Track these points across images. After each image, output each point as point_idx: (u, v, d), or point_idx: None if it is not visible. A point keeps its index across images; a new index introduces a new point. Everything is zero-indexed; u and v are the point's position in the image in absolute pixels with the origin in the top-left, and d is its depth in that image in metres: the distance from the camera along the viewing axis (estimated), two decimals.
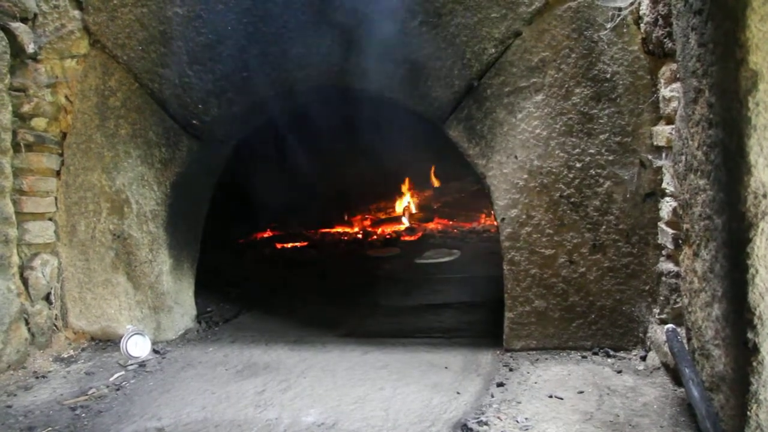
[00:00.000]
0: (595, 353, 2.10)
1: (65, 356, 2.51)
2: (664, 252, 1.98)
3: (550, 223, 2.13)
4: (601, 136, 2.06)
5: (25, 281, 2.47)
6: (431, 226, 5.16)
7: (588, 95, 2.06)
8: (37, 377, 2.28)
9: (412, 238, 4.79)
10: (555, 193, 2.12)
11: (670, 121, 1.84)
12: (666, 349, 1.76)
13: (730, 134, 1.19)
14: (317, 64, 2.35)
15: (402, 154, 4.97)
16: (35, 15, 2.52)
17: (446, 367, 2.12)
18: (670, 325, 1.77)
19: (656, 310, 2.00)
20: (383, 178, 5.39)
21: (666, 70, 1.87)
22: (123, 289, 2.64)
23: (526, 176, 2.15)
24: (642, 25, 1.96)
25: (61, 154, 2.63)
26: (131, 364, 2.35)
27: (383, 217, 5.54)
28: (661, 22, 1.81)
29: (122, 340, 2.42)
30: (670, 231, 1.86)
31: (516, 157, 2.16)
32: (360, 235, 5.01)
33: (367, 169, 5.06)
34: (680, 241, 1.68)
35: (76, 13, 2.54)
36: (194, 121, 2.53)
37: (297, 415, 1.78)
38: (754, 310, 1.14)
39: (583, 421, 1.59)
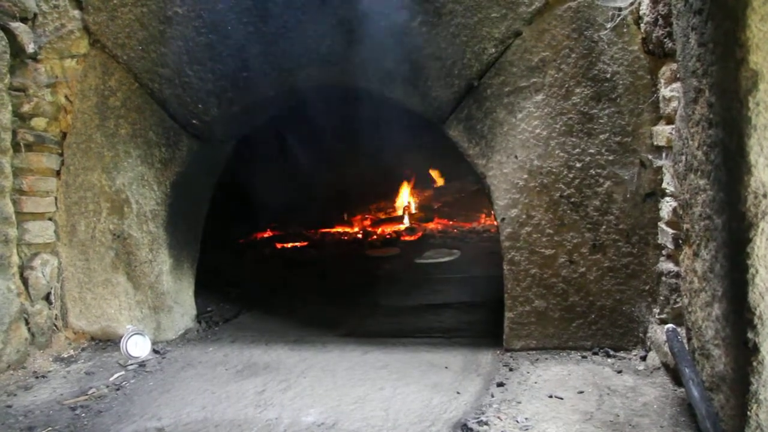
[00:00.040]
0: (595, 353, 2.09)
1: (65, 356, 2.51)
2: (664, 252, 1.98)
3: (550, 223, 2.13)
4: (601, 136, 2.06)
5: (25, 281, 2.47)
6: (431, 226, 5.16)
7: (588, 95, 2.06)
8: (37, 377, 2.28)
9: (412, 238, 4.79)
10: (555, 192, 2.12)
11: (670, 120, 1.84)
12: (666, 349, 1.76)
13: (731, 134, 1.19)
14: (317, 63, 2.35)
15: (402, 153, 4.97)
16: (35, 15, 2.52)
17: (446, 367, 2.12)
18: (670, 325, 1.77)
19: (656, 310, 2.00)
20: (383, 178, 5.39)
21: (666, 70, 1.87)
22: (123, 289, 2.64)
23: (526, 176, 2.15)
24: (642, 24, 1.96)
25: (61, 154, 2.63)
26: (131, 364, 2.35)
27: (383, 217, 5.55)
28: (661, 21, 1.81)
29: (122, 340, 2.42)
30: (670, 231, 1.86)
31: (516, 156, 2.16)
32: (360, 235, 5.01)
33: (367, 169, 5.06)
34: (680, 241, 1.68)
35: (76, 12, 2.54)
36: (194, 121, 2.53)
37: (297, 415, 1.78)
38: (754, 309, 1.14)
39: (583, 421, 1.59)
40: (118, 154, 2.59)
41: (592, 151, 2.07)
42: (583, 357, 2.08)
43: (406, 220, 5.30)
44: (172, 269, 2.69)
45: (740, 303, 1.18)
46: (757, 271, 1.14)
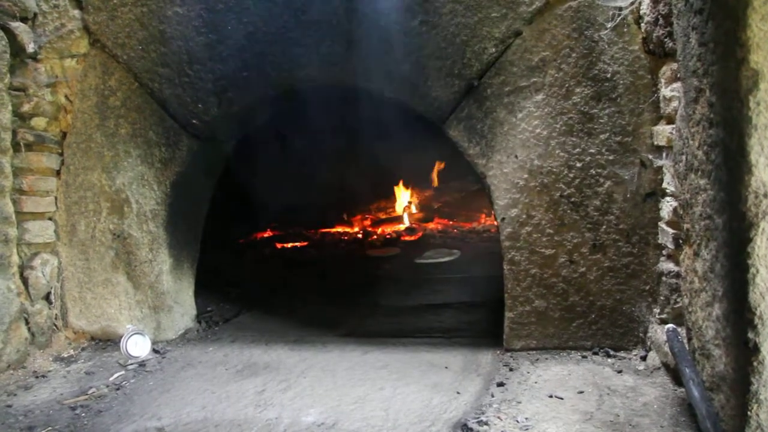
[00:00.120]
0: (596, 353, 2.09)
1: (65, 356, 2.51)
2: (664, 252, 1.98)
3: (551, 222, 2.13)
4: (602, 136, 2.06)
5: (25, 281, 2.47)
6: (431, 226, 5.16)
7: (588, 95, 2.06)
8: (37, 377, 2.28)
9: (412, 238, 4.79)
10: (555, 192, 2.12)
11: (670, 120, 1.83)
12: (666, 349, 1.76)
13: (731, 134, 1.19)
14: (317, 63, 2.34)
15: (402, 153, 4.97)
16: (35, 14, 2.52)
17: (446, 367, 2.12)
18: (670, 325, 1.77)
19: (656, 310, 2.00)
20: (383, 178, 5.39)
21: (666, 70, 1.87)
22: (123, 288, 2.64)
23: (526, 176, 2.15)
24: (642, 24, 1.96)
25: (61, 154, 2.63)
26: (131, 364, 2.35)
27: (383, 217, 5.54)
28: (661, 21, 1.81)
29: (122, 340, 2.42)
30: (671, 231, 1.86)
31: (516, 156, 2.16)
32: (360, 235, 5.01)
33: (367, 169, 5.06)
34: (681, 241, 1.68)
35: (76, 12, 2.54)
36: (194, 121, 2.53)
37: (297, 415, 1.78)
38: (755, 309, 1.14)
39: (583, 420, 1.59)
40: (118, 154, 2.59)
41: (592, 150, 2.07)
42: (584, 357, 2.08)
43: (406, 220, 5.30)
44: (172, 269, 2.69)
45: (741, 303, 1.17)
46: (757, 271, 1.14)
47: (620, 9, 1.97)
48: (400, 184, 5.59)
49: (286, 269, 4.13)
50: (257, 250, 4.79)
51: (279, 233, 5.18)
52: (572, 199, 2.11)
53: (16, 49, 2.44)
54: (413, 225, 5.18)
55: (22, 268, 2.48)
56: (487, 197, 2.27)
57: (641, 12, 1.96)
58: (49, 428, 1.80)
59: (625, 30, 1.99)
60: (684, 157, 1.51)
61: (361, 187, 5.29)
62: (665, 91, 1.88)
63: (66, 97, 2.60)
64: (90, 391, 2.09)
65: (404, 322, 2.83)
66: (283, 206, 4.95)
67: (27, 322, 2.45)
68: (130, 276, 2.64)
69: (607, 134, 2.05)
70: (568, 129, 2.09)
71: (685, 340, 1.64)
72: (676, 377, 1.72)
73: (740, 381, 1.20)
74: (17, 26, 2.43)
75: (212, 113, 2.50)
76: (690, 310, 1.53)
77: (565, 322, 2.14)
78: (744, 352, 1.17)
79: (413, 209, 5.51)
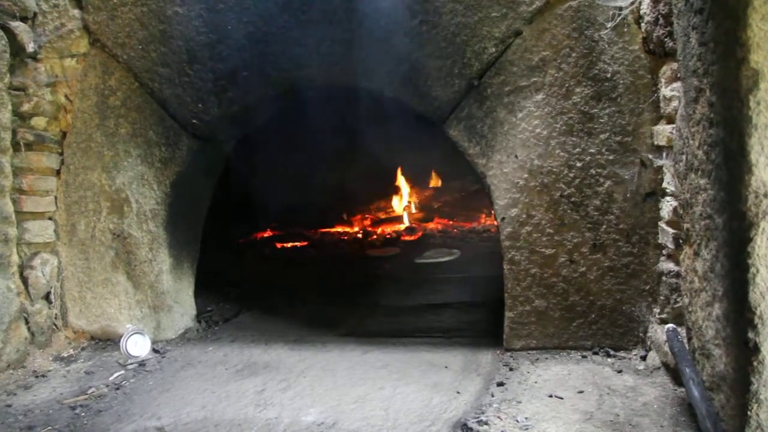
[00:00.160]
0: (596, 353, 2.09)
1: (65, 355, 2.51)
2: (664, 251, 1.98)
3: (551, 222, 2.13)
4: (602, 136, 2.06)
5: (24, 280, 2.47)
6: (431, 225, 5.15)
7: (588, 94, 2.06)
8: (36, 376, 2.28)
9: (412, 238, 4.78)
10: (555, 192, 2.12)
11: (670, 120, 1.83)
12: (666, 348, 1.76)
13: (731, 133, 1.19)
14: (317, 63, 2.34)
15: (402, 153, 4.97)
16: (35, 14, 2.52)
17: (446, 367, 2.12)
18: (670, 325, 1.77)
19: (656, 310, 2.00)
20: (383, 177, 5.39)
21: (667, 70, 1.87)
22: (123, 288, 2.64)
23: (526, 175, 2.15)
24: (643, 24, 1.96)
25: (61, 153, 2.63)
26: (131, 364, 2.35)
27: (383, 216, 5.54)
28: (661, 21, 1.81)
29: (122, 340, 2.42)
30: (671, 230, 1.86)
31: (516, 156, 2.16)
32: (360, 235, 5.01)
33: (367, 169, 5.05)
34: (681, 241, 1.68)
35: (76, 12, 2.54)
36: (194, 121, 2.53)
37: (297, 415, 1.78)
38: (755, 309, 1.14)
39: (584, 420, 1.59)
40: (118, 154, 2.59)
41: (592, 150, 2.07)
42: (584, 357, 2.08)
43: (406, 219, 5.30)
44: (172, 269, 2.69)
45: (741, 303, 1.17)
46: (757, 271, 1.14)
47: (620, 9, 1.97)
48: (398, 172, 5.54)
49: (286, 269, 4.13)
50: (257, 249, 4.78)
51: (279, 233, 5.17)
52: (572, 199, 2.10)
53: (16, 48, 2.44)
54: (413, 225, 5.18)
55: (21, 268, 2.48)
56: (487, 197, 2.27)
57: (641, 12, 1.96)
58: (49, 428, 1.80)
59: (626, 30, 1.99)
60: (684, 157, 1.51)
61: (361, 187, 5.29)
62: (665, 91, 1.88)
63: (66, 96, 2.60)
64: (90, 391, 2.09)
65: (404, 322, 2.83)
66: (283, 206, 4.94)
67: (27, 322, 2.45)
68: (130, 275, 2.64)
69: (607, 134, 2.05)
70: (568, 129, 2.09)
71: (685, 340, 1.64)
72: (676, 377, 1.72)
73: (740, 381, 1.19)
74: (17, 26, 2.42)
75: (212, 113, 2.50)
76: (690, 309, 1.53)
77: (565, 321, 2.14)
78: (744, 351, 1.17)
79: (413, 209, 5.51)
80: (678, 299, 1.84)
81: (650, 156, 1.99)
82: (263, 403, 1.88)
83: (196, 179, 2.76)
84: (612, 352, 2.07)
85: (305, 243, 4.88)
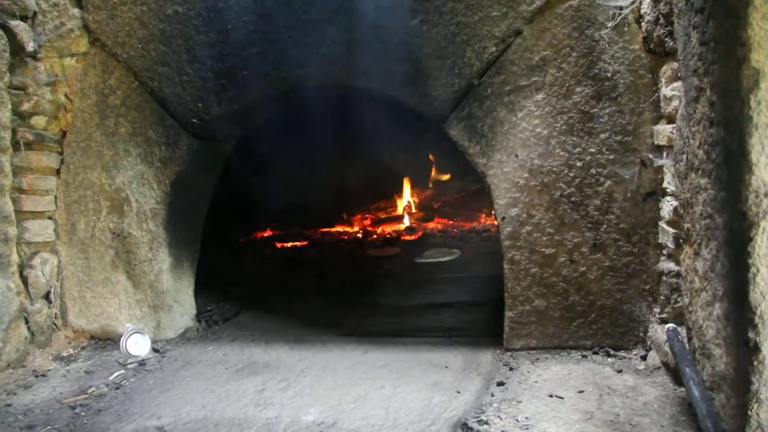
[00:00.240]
0: (596, 353, 2.09)
1: (65, 355, 2.51)
2: (664, 251, 1.97)
3: (551, 222, 2.13)
4: (602, 135, 2.06)
5: (24, 280, 2.47)
6: (431, 225, 5.15)
7: (589, 94, 2.06)
8: (36, 376, 2.28)
9: (413, 238, 4.78)
10: (555, 192, 2.12)
11: (671, 120, 1.83)
12: (666, 348, 1.76)
13: (732, 133, 1.19)
14: (317, 63, 2.34)
15: (402, 153, 4.97)
16: (35, 13, 2.52)
17: (446, 367, 2.12)
18: (670, 325, 1.77)
19: (657, 310, 2.00)
20: (383, 177, 5.39)
21: (667, 69, 1.87)
22: (123, 287, 2.64)
23: (526, 175, 2.15)
24: (643, 23, 1.96)
25: (61, 153, 2.63)
26: (131, 363, 2.35)
27: (383, 216, 5.54)
28: (662, 20, 1.81)
29: (122, 339, 2.41)
30: (671, 230, 1.86)
31: (516, 155, 2.16)
32: (360, 235, 5.01)
33: (368, 168, 5.05)
34: (681, 241, 1.68)
35: (76, 11, 2.54)
36: (194, 120, 2.52)
37: (297, 414, 1.78)
38: (755, 309, 1.14)
39: (584, 420, 1.59)
40: (117, 153, 2.59)
41: (592, 150, 2.07)
42: (584, 356, 2.08)
43: (406, 219, 5.30)
44: (171, 268, 2.69)
45: (741, 302, 1.17)
46: (758, 271, 1.14)
47: (621, 8, 1.97)
48: (405, 182, 5.58)
49: (286, 269, 4.12)
50: (257, 249, 4.78)
51: (279, 233, 5.17)
52: (572, 199, 2.10)
53: (16, 47, 2.44)
54: (413, 224, 5.17)
55: (21, 267, 2.48)
56: (488, 196, 2.27)
57: (642, 11, 1.95)
58: (49, 427, 1.80)
59: (626, 29, 1.99)
60: (684, 157, 1.51)
61: (361, 187, 5.29)
62: (666, 91, 1.87)
63: (66, 95, 2.59)
64: (90, 390, 2.09)
65: (404, 322, 2.83)
66: (283, 206, 4.95)
67: (27, 321, 2.45)
68: (130, 275, 2.64)
69: (608, 133, 2.05)
70: (569, 128, 2.09)
71: (685, 340, 1.64)
72: (677, 377, 1.72)
73: (741, 380, 1.19)
74: (17, 25, 2.42)
75: (212, 112, 2.50)
76: (690, 309, 1.53)
77: (565, 321, 2.14)
78: (744, 351, 1.17)
79: (413, 209, 5.51)
80: (678, 299, 1.84)
81: (651, 155, 1.99)
82: (263, 403, 1.88)
83: (196, 178, 2.76)
84: (612, 352, 2.07)
85: (305, 242, 4.88)
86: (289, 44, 2.33)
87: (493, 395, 1.81)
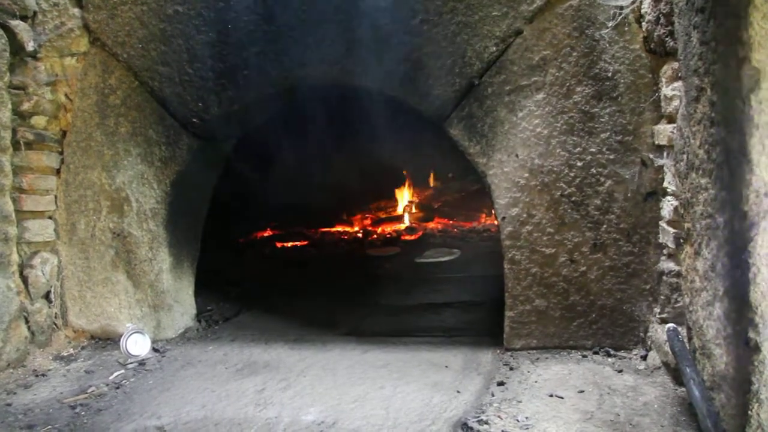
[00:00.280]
0: (596, 352, 2.09)
1: (65, 355, 2.51)
2: (665, 251, 1.97)
3: (551, 221, 2.13)
4: (603, 135, 2.05)
5: (24, 280, 2.47)
6: (431, 225, 5.15)
7: (589, 94, 2.06)
8: (36, 375, 2.28)
9: (413, 238, 4.78)
10: (556, 191, 2.12)
11: (671, 119, 1.83)
12: (667, 348, 1.76)
13: (732, 133, 1.19)
14: (318, 62, 2.34)
15: (402, 152, 4.97)
16: (35, 13, 2.51)
17: (446, 366, 2.12)
18: (671, 325, 1.76)
19: (657, 310, 2.00)
20: (383, 177, 5.39)
21: (667, 69, 1.87)
22: (123, 287, 2.64)
23: (527, 175, 2.15)
24: (643, 23, 1.96)
25: (61, 153, 2.63)
26: (131, 363, 2.35)
27: (383, 216, 5.54)
28: (662, 20, 1.81)
29: (122, 339, 2.41)
30: (672, 230, 1.86)
31: (517, 155, 2.16)
32: (360, 235, 5.01)
33: (367, 168, 5.06)
34: (681, 240, 1.67)
35: (76, 11, 2.54)
36: (194, 120, 2.52)
37: (297, 414, 1.78)
38: (756, 309, 1.14)
39: (584, 420, 1.59)
40: (118, 153, 2.59)
41: (593, 149, 2.07)
42: (584, 356, 2.08)
43: (406, 219, 5.30)
44: (172, 268, 2.69)
45: (742, 302, 1.17)
46: (758, 270, 1.14)
47: (621, 8, 1.97)
48: (406, 184, 5.59)
49: (286, 268, 4.13)
50: (257, 249, 4.78)
51: (279, 232, 5.17)
52: (573, 198, 2.10)
53: (16, 47, 2.43)
54: (413, 224, 5.17)
55: (21, 267, 2.48)
56: (488, 196, 2.27)
57: (642, 11, 1.95)
58: (49, 427, 1.80)
59: (626, 29, 1.99)
60: (685, 156, 1.51)
61: (361, 187, 5.29)
62: (666, 90, 1.87)
63: (66, 95, 2.59)
64: (90, 390, 2.08)
65: (404, 321, 2.83)
66: (283, 205, 4.95)
67: (27, 321, 2.45)
68: (130, 275, 2.64)
69: (608, 133, 2.05)
70: (569, 128, 2.09)
71: (685, 340, 1.64)
72: (677, 377, 1.72)
73: (741, 380, 1.19)
74: (17, 24, 2.42)
75: (212, 112, 2.49)
76: (691, 309, 1.53)
77: (565, 321, 2.14)
78: (745, 351, 1.17)
79: (413, 208, 5.51)
80: (679, 299, 1.84)
81: (651, 155, 1.99)
82: (263, 403, 1.88)
83: (196, 178, 2.76)
84: (612, 352, 2.07)
85: (305, 242, 4.88)
86: (289, 44, 2.33)
87: (493, 395, 1.81)
